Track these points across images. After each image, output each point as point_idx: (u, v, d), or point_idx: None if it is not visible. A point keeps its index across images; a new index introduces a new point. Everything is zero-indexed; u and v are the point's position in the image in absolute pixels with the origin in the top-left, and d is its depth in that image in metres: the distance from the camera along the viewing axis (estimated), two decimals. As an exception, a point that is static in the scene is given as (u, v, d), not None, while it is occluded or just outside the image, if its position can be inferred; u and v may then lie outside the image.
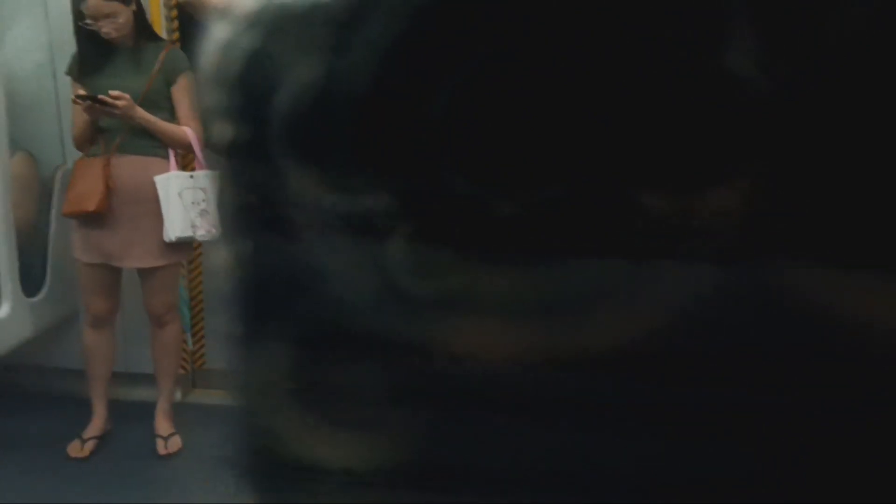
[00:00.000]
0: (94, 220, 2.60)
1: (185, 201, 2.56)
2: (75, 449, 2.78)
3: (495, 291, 0.23)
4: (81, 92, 2.55)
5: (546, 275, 0.22)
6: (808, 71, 0.20)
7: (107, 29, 2.55)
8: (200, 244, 2.98)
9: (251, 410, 0.28)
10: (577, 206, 0.22)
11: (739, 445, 0.22)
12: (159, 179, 2.56)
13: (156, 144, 2.61)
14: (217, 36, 0.26)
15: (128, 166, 2.60)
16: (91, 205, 2.56)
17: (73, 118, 2.69)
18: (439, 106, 0.22)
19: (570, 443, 0.23)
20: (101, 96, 2.48)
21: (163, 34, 2.92)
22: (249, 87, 0.25)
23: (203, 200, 2.57)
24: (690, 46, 0.21)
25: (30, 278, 2.89)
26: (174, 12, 3.01)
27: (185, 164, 2.78)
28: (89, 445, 2.79)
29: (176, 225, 2.55)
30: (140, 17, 2.65)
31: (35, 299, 2.92)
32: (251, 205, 0.26)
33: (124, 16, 2.57)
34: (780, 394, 0.22)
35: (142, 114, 2.55)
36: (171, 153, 2.63)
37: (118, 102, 2.48)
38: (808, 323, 0.21)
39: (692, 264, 0.21)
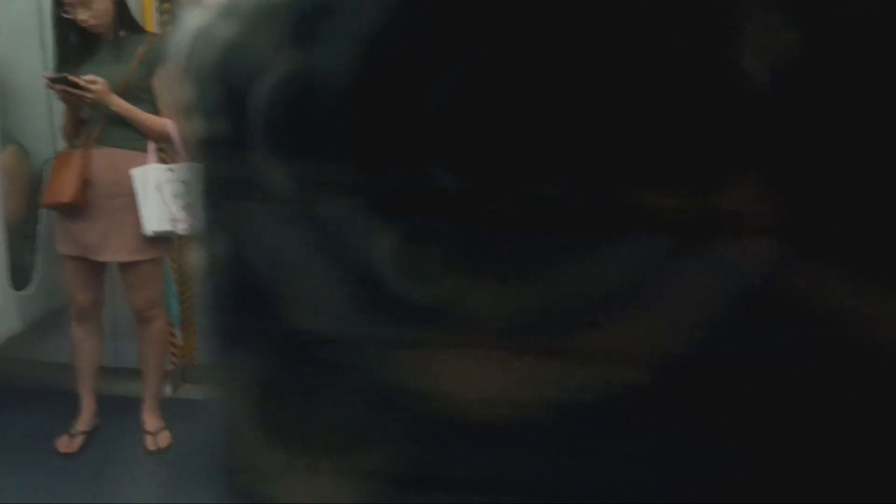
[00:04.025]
0: (73, 212, 2.59)
1: (164, 195, 2.53)
2: (64, 443, 2.77)
3: (487, 294, 0.22)
4: (52, 74, 2.52)
5: (540, 277, 0.22)
6: (814, 70, 0.20)
7: (83, 16, 2.52)
8: (190, 239, 2.96)
9: (236, 408, 0.27)
10: (575, 205, 0.21)
11: (746, 445, 0.22)
12: (136, 173, 2.53)
13: (135, 137, 2.58)
14: (192, 26, 0.25)
15: (105, 159, 2.57)
16: (66, 196, 2.54)
17: (63, 110, 2.68)
18: (428, 101, 0.22)
19: (566, 451, 0.23)
20: (72, 77, 2.43)
21: (154, 28, 2.90)
22: (225, 79, 0.25)
23: (185, 193, 2.54)
24: (692, 42, 0.20)
25: (19, 271, 2.88)
26: (166, 5, 2.99)
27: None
28: (78, 440, 2.78)
29: (153, 219, 2.52)
30: (121, 8, 2.62)
31: (24, 293, 2.90)
32: (229, 198, 0.26)
33: (101, 3, 2.53)
34: (784, 393, 0.22)
35: (118, 101, 2.51)
36: (151, 146, 2.60)
37: (92, 87, 2.44)
38: (814, 323, 0.21)
39: (691, 263, 0.21)
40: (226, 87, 0.25)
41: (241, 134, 0.24)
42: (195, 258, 0.26)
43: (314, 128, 0.23)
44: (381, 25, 0.22)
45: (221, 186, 0.26)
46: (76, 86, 2.43)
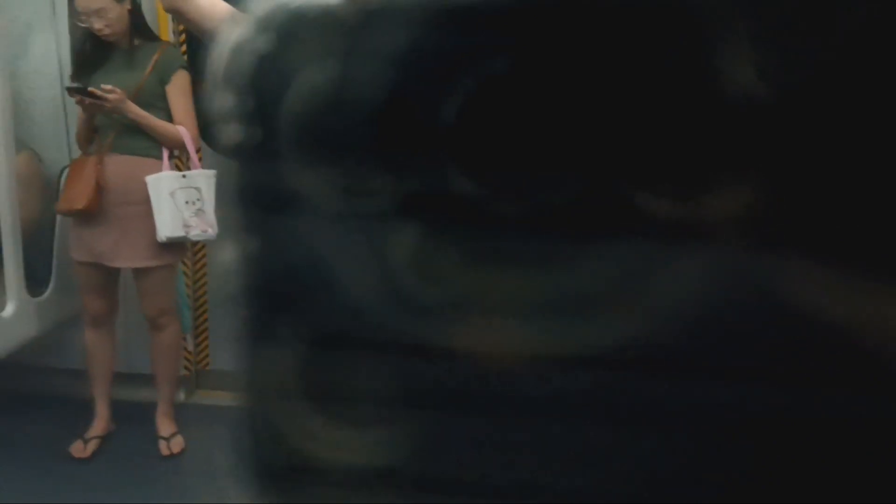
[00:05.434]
0: (87, 218, 2.61)
1: (177, 201, 2.55)
2: (78, 449, 2.78)
3: (501, 292, 0.23)
4: (72, 84, 2.56)
5: (551, 276, 0.22)
6: (809, 76, 0.20)
7: (98, 25, 2.55)
8: (203, 245, 2.98)
9: (257, 411, 0.28)
10: (582, 208, 0.22)
11: (741, 443, 0.22)
12: (150, 180, 2.55)
13: (149, 145, 2.60)
14: (228, 39, 0.26)
15: (120, 166, 2.59)
16: (81, 203, 2.57)
17: (78, 117, 2.70)
18: (449, 109, 0.22)
19: (573, 443, 0.23)
20: (91, 88, 2.47)
21: (169, 36, 2.93)
22: (260, 90, 0.25)
23: (198, 200, 2.55)
24: (690, 51, 0.21)
25: (34, 277, 2.90)
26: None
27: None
28: (92, 445, 2.79)
29: (167, 225, 2.54)
30: (136, 17, 2.65)
31: (40, 299, 2.92)
32: (261, 205, 0.26)
33: (115, 12, 2.56)
34: (780, 391, 0.22)
35: (134, 109, 2.53)
36: (165, 154, 2.61)
37: (109, 96, 2.47)
38: (809, 322, 0.21)
39: (696, 265, 0.21)
40: (261, 98, 0.25)
41: (275, 142, 0.25)
42: (222, 260, 0.27)
43: (345, 136, 0.24)
44: (408, 41, 0.23)
45: (255, 192, 0.26)
46: (94, 95, 2.46)
